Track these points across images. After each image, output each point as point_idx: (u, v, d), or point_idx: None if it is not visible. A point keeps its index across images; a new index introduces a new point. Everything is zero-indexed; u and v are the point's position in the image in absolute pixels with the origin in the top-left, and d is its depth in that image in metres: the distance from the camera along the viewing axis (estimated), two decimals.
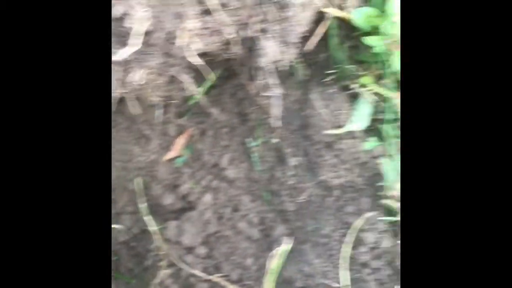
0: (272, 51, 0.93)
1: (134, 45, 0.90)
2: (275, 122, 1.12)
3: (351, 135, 1.20)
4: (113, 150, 1.44)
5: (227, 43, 0.97)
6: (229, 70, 1.40)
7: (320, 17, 1.14)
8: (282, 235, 1.37)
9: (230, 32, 0.93)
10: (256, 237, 1.42)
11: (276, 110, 0.96)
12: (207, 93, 1.40)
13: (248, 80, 1.33)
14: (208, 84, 1.35)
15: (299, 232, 1.33)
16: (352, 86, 1.18)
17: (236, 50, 0.98)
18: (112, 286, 1.62)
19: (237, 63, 1.23)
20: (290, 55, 1.00)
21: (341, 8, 1.11)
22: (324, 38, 1.22)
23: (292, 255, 1.33)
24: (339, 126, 1.19)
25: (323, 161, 1.22)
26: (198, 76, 1.39)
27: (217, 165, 1.43)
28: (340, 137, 1.19)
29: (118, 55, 0.91)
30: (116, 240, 1.61)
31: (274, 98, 0.94)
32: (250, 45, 0.98)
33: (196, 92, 1.12)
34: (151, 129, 1.43)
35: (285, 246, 1.24)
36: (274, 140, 1.32)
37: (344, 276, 1.18)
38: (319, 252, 1.26)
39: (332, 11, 1.09)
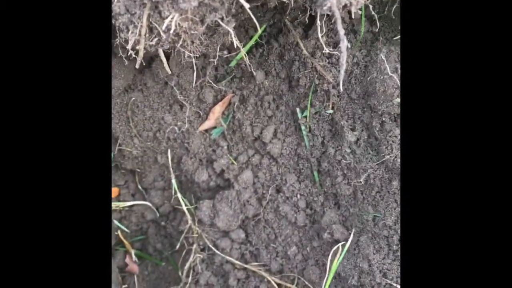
0: None
1: None
2: (338, 86, 0.90)
3: None
4: (142, 117, 1.26)
5: None
6: (278, 25, 1.18)
7: None
8: (332, 222, 1.17)
9: None
10: (301, 223, 1.22)
11: (342, 68, 0.75)
12: (249, 52, 1.19)
13: (301, 37, 1.12)
14: (253, 39, 1.14)
15: (355, 221, 1.12)
16: None
17: None
18: (139, 267, 1.48)
19: (290, 17, 1.02)
20: (361, 0, 0.78)
21: None
22: None
23: (344, 247, 1.13)
24: None
25: (389, 137, 1.00)
26: (240, 35, 1.19)
27: (259, 138, 1.23)
28: None
29: None
30: (144, 218, 1.45)
31: (342, 53, 0.73)
32: None
33: (240, 48, 0.92)
34: (185, 95, 1.24)
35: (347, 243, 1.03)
36: (329, 111, 1.10)
37: None
38: (379, 246, 1.05)
39: None
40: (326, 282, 1.04)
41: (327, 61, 1.09)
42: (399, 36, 1.02)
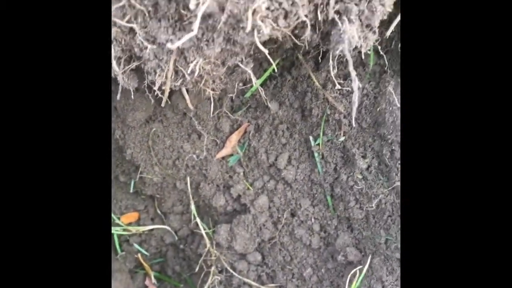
0: (353, 36, 0.78)
1: (190, 30, 0.77)
2: (349, 117, 0.97)
3: None
4: (162, 146, 1.33)
5: (299, 27, 0.83)
6: (291, 59, 1.25)
7: None
8: (346, 245, 1.22)
9: (304, 14, 0.78)
10: (316, 245, 1.28)
11: (354, 106, 0.81)
12: (263, 85, 1.26)
13: (313, 70, 1.18)
14: (266, 74, 1.22)
15: (367, 244, 1.18)
16: None
17: (309, 35, 0.83)
18: None
19: (302, 51, 1.09)
20: (370, 42, 0.85)
21: None
22: None
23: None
24: None
25: (399, 164, 1.06)
26: (255, 68, 1.26)
27: (274, 165, 1.29)
28: None
29: (172, 43, 0.78)
30: (163, 242, 1.51)
31: (354, 91, 0.79)
32: (327, 30, 0.83)
33: (254, 83, 0.99)
34: (203, 124, 1.31)
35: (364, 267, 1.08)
36: (341, 139, 1.17)
37: None
38: (391, 268, 1.10)
39: None
40: None
41: (338, 92, 1.15)
42: None
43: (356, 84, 0.80)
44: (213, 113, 1.28)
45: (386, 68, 1.12)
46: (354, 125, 1.07)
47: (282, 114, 1.27)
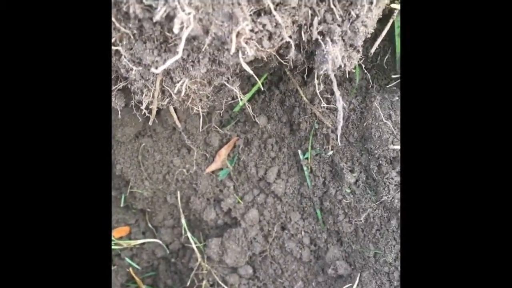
0: (337, 56, 0.79)
1: (175, 52, 0.78)
2: (336, 137, 0.98)
3: None
4: (152, 161, 1.33)
5: (283, 47, 0.84)
6: (278, 74, 1.26)
7: (384, 16, 0.98)
8: (336, 258, 1.23)
9: (288, 35, 0.79)
10: (306, 258, 1.28)
11: (339, 124, 0.82)
12: (251, 99, 1.27)
13: (300, 85, 1.19)
14: (252, 92, 1.23)
15: (357, 257, 1.18)
16: None
17: (293, 55, 0.84)
18: None
19: (289, 67, 1.10)
20: (354, 60, 0.86)
21: None
22: (386, 39, 1.06)
23: (348, 282, 1.18)
24: None
25: (386, 179, 1.07)
26: (243, 82, 1.27)
27: (263, 178, 1.30)
28: None
29: (157, 66, 0.79)
30: (154, 255, 1.51)
31: (338, 111, 0.80)
32: (311, 49, 0.84)
33: (242, 99, 1.00)
34: (192, 139, 1.31)
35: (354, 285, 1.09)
36: (329, 153, 1.17)
37: None
38: (380, 282, 1.11)
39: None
40: None
41: (326, 107, 1.16)
42: (392, 84, 1.09)
43: (340, 104, 0.81)
44: (202, 128, 1.29)
45: (371, 85, 1.13)
46: (339, 143, 1.08)
47: (270, 128, 1.27)
